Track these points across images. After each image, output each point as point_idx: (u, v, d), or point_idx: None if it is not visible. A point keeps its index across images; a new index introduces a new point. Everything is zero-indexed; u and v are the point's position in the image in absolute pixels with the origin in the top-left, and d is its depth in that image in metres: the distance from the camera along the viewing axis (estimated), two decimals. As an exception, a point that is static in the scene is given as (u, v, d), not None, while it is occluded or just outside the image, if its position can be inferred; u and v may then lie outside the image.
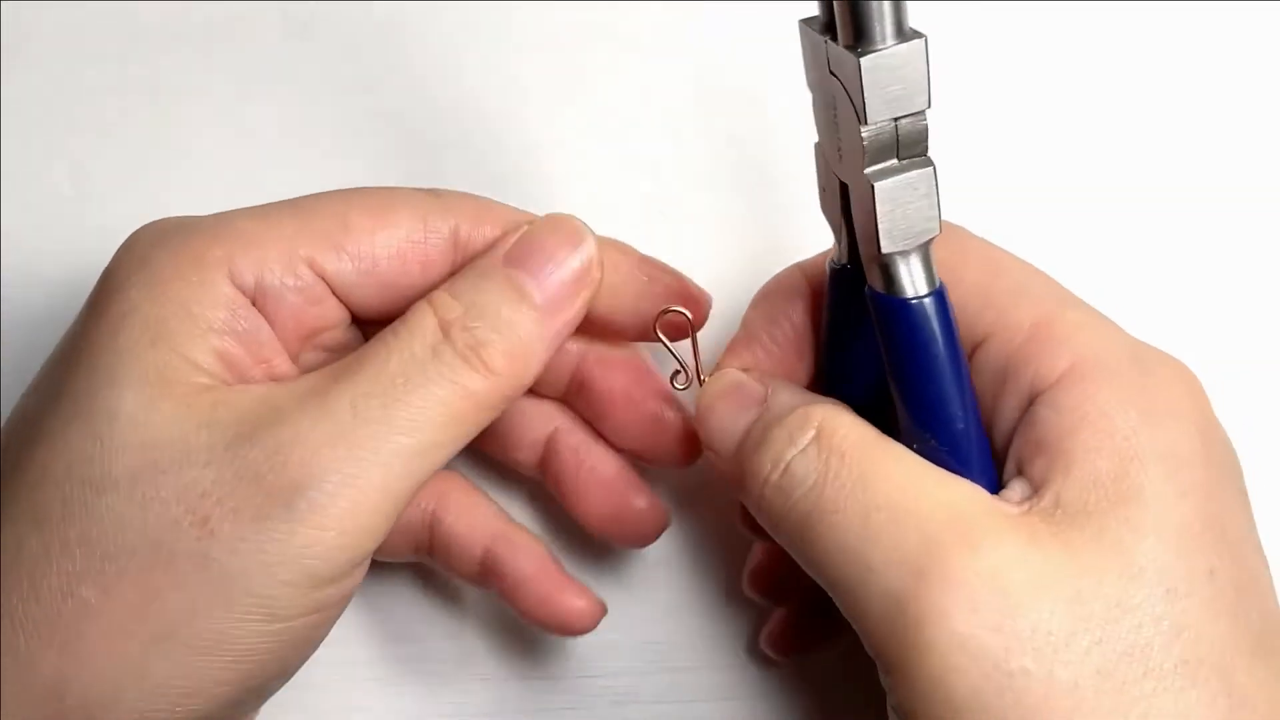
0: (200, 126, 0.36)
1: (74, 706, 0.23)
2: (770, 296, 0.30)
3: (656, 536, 0.31)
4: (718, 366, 0.29)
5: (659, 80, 0.36)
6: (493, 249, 0.27)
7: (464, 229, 0.28)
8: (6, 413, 0.34)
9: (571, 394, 0.30)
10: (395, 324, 0.26)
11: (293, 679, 0.31)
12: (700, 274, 0.35)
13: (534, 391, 0.29)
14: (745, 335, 0.29)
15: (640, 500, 0.30)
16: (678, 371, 0.29)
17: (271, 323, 0.26)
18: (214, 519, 0.23)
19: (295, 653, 0.25)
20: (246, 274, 0.26)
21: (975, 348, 0.26)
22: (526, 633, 0.33)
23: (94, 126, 0.36)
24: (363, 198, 0.27)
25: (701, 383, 0.29)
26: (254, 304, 0.26)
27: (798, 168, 0.36)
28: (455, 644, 0.33)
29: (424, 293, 0.27)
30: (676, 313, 0.29)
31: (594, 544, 0.33)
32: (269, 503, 0.23)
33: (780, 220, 0.35)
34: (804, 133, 0.36)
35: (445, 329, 0.25)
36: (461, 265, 0.27)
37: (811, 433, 0.25)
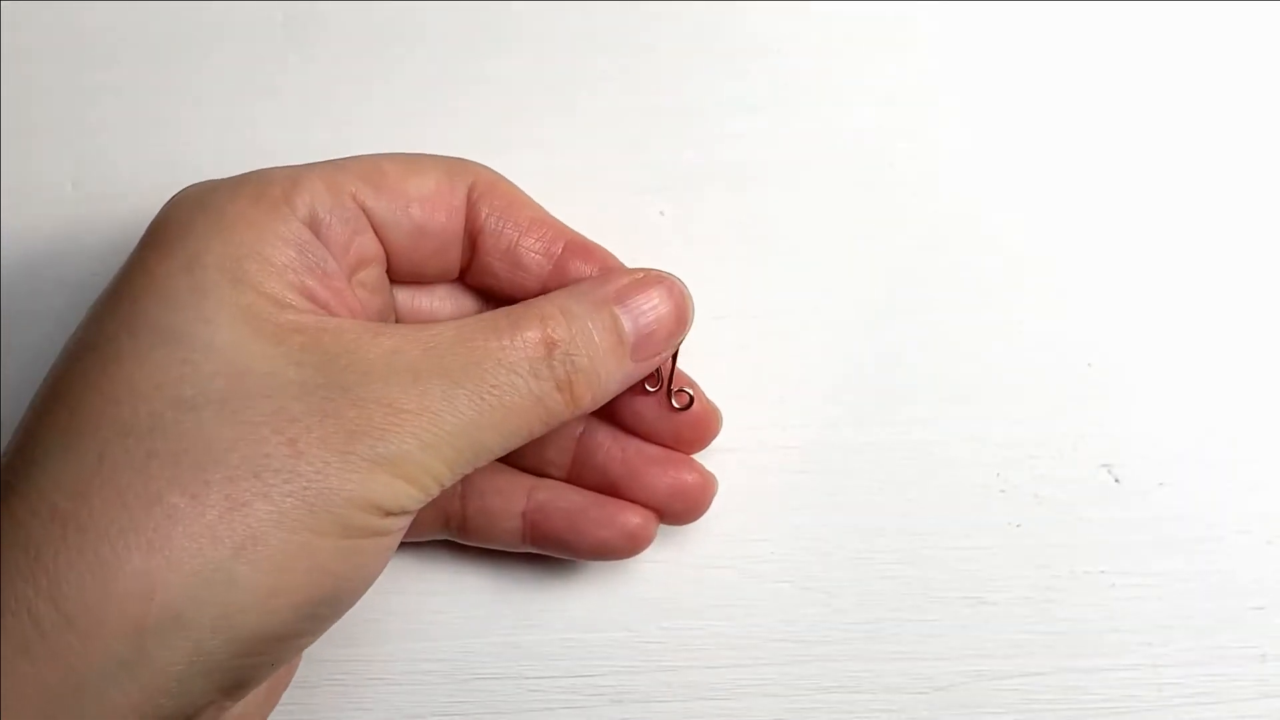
0: (201, 127, 0.36)
1: (162, 605, 0.23)
2: None
3: (708, 508, 0.32)
4: None
5: (658, 82, 0.36)
6: (605, 282, 0.29)
7: (478, 189, 0.30)
8: (6, 412, 0.34)
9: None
10: (500, 323, 0.27)
11: (293, 679, 0.32)
12: (697, 273, 0.35)
13: None
14: None
15: (691, 474, 0.31)
16: (651, 376, 0.30)
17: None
18: (301, 441, 0.24)
19: (369, 566, 0.26)
20: (302, 208, 0.27)
21: None
22: (526, 633, 0.33)
23: (94, 126, 0.36)
24: (393, 156, 0.29)
25: (670, 394, 0.31)
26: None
27: (795, 168, 0.36)
28: (455, 644, 0.33)
29: (449, 240, 0.29)
30: None
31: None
32: (354, 441, 0.25)
33: (776, 219, 0.35)
34: (801, 133, 0.36)
35: (550, 349, 0.27)
36: (477, 223, 0.30)
37: None
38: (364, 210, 0.28)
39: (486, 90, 0.36)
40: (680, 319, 0.29)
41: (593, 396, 0.28)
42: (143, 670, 0.23)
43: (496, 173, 0.30)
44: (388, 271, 0.30)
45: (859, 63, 0.36)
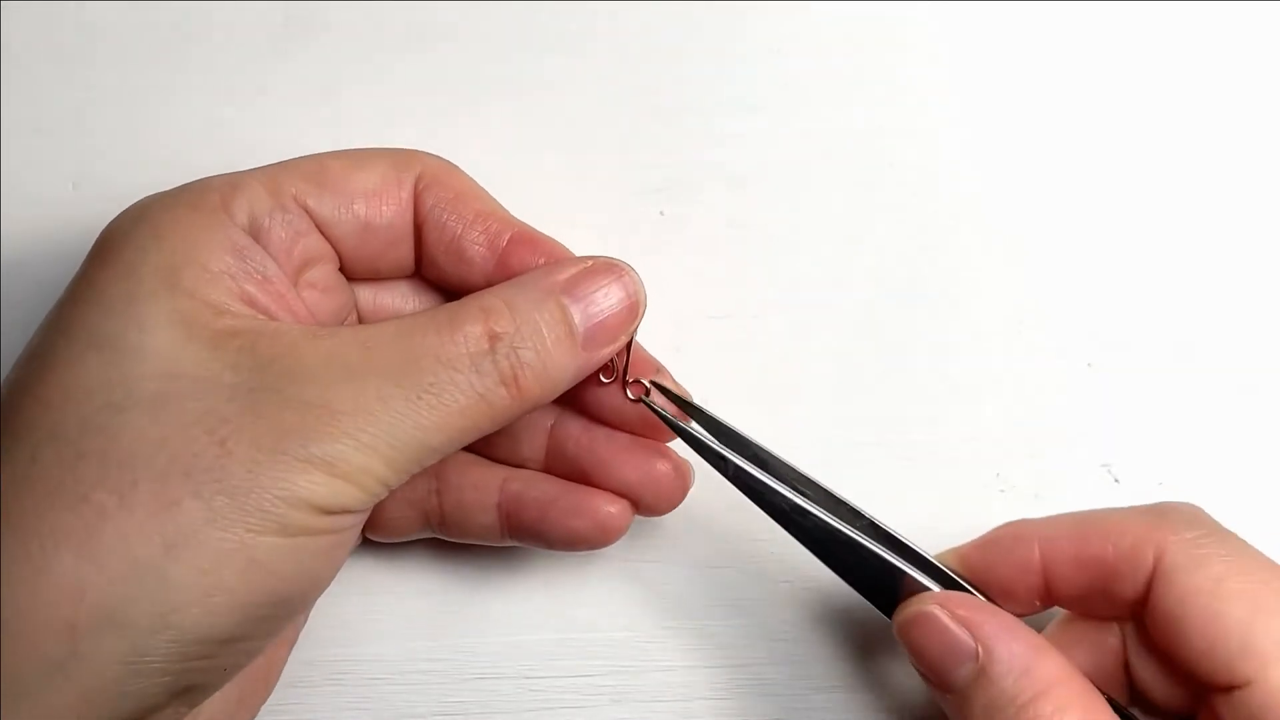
0: (201, 127, 0.36)
1: (94, 606, 0.23)
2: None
3: (683, 498, 0.31)
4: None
5: (658, 82, 0.36)
6: (551, 272, 0.28)
7: (424, 181, 0.29)
8: (6, 412, 0.34)
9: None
10: (440, 318, 0.26)
11: (293, 678, 0.32)
12: (698, 273, 0.35)
13: None
14: (984, 541, 0.29)
15: (664, 464, 0.30)
16: (606, 367, 0.29)
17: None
18: (231, 441, 0.24)
19: (314, 567, 0.26)
20: (240, 213, 0.27)
21: (1230, 688, 0.26)
22: (526, 632, 0.33)
23: (94, 126, 0.36)
24: (337, 153, 0.29)
25: (625, 384, 0.30)
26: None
27: (795, 168, 0.36)
28: (455, 643, 0.33)
29: (398, 234, 0.29)
30: None
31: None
32: (286, 441, 0.24)
33: (776, 219, 0.35)
34: (801, 133, 0.36)
35: (493, 342, 0.26)
36: (423, 212, 0.29)
37: None
38: (307, 210, 0.28)
39: (487, 90, 0.36)
40: (632, 307, 0.28)
41: (542, 389, 0.27)
42: (78, 671, 0.23)
43: (448, 163, 0.30)
44: (343, 269, 0.30)
45: (859, 63, 0.36)
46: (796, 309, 0.35)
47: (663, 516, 0.32)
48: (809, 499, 0.29)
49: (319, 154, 0.29)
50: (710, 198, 0.35)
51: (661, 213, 0.35)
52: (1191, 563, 0.26)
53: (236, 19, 0.36)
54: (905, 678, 0.33)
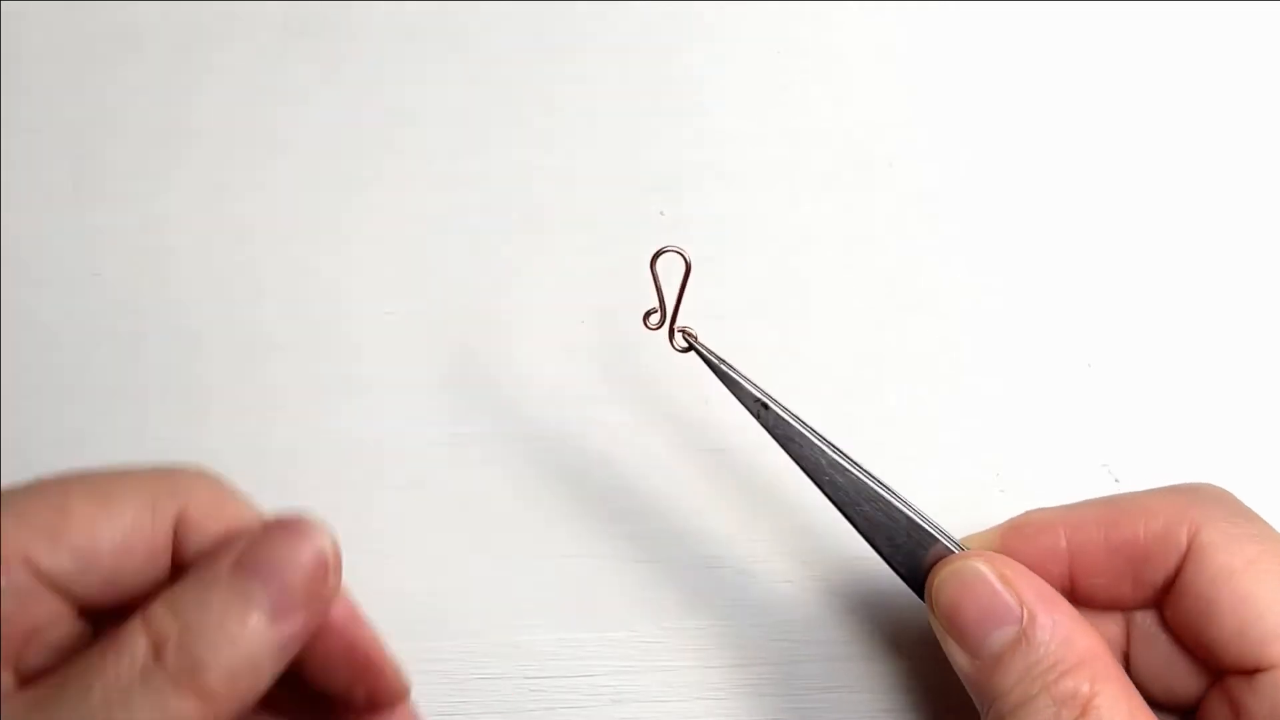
0: (201, 126, 0.36)
1: None
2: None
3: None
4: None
5: (658, 82, 0.36)
6: (219, 553, 0.24)
7: (193, 512, 0.26)
8: (6, 411, 0.34)
9: None
10: (104, 643, 0.23)
11: (292, 679, 0.31)
12: (697, 273, 0.35)
13: None
14: (1027, 523, 0.28)
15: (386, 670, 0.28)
16: (653, 311, 0.29)
17: None
18: None
19: None
20: None
21: (1256, 670, 0.25)
22: (526, 633, 0.33)
23: (94, 126, 0.36)
24: (85, 484, 0.25)
25: (671, 331, 0.29)
26: None
27: (794, 168, 0.36)
28: (455, 644, 0.33)
29: (152, 584, 0.25)
30: (676, 253, 0.28)
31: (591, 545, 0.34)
32: None
33: (775, 219, 0.35)
34: (801, 133, 0.36)
35: (159, 649, 0.23)
36: (185, 556, 0.25)
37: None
38: (39, 573, 0.24)
39: (487, 91, 0.36)
40: (320, 561, 0.25)
41: (240, 678, 0.23)
42: None
43: (216, 484, 0.26)
44: (84, 612, 0.25)
45: (859, 63, 0.36)
46: (796, 309, 0.35)
47: (663, 515, 0.32)
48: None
49: (63, 485, 0.25)
50: (710, 198, 0.35)
51: (661, 213, 0.35)
52: (1226, 542, 0.26)
53: (238, 20, 0.36)
54: (905, 678, 0.33)
